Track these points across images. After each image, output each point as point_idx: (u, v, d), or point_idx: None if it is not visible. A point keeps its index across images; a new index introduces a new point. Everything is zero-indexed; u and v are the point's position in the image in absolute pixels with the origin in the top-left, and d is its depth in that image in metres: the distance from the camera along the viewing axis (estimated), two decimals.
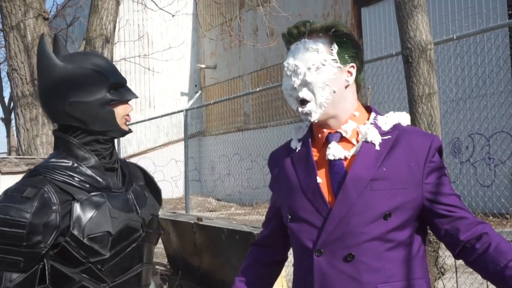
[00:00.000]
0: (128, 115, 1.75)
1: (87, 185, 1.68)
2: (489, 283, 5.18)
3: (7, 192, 1.60)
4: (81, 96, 1.66)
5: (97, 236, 1.63)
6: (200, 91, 22.61)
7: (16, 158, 4.81)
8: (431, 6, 11.82)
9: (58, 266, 1.63)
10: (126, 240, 1.70)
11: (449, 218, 1.49)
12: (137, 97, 1.76)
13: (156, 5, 8.40)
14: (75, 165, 1.69)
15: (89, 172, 1.69)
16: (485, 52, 10.08)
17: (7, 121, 21.05)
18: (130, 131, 1.77)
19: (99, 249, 1.63)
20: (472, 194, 10.27)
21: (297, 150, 1.61)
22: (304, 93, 1.51)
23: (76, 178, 1.67)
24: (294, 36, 1.55)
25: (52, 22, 14.99)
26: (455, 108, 10.39)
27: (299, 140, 1.62)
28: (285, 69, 1.55)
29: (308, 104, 1.51)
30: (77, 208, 1.63)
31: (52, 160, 1.71)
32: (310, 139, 1.59)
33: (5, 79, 19.68)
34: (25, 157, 5.20)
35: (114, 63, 6.99)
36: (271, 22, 10.17)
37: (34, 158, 4.98)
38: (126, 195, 1.76)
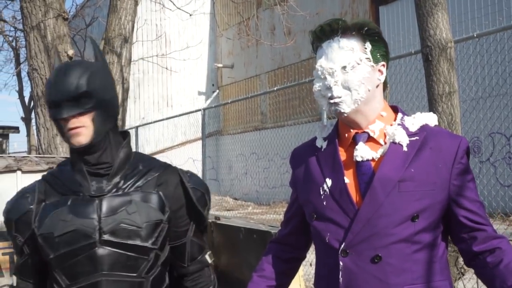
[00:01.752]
0: (74, 128, 1.68)
1: (65, 188, 1.76)
2: None
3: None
4: None
5: (45, 237, 1.71)
6: (217, 91, 22.65)
7: (36, 157, 4.86)
8: (451, 4, 11.69)
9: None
10: (75, 245, 1.68)
11: (467, 227, 1.48)
12: (71, 114, 1.65)
13: (174, 4, 8.42)
14: (66, 167, 1.80)
15: (73, 175, 1.76)
16: (505, 50, 9.94)
17: (27, 121, 21.31)
18: (78, 147, 1.69)
19: (46, 249, 1.72)
20: (492, 194, 10.15)
21: (322, 149, 1.58)
22: (339, 92, 1.49)
23: (59, 181, 1.79)
24: (326, 33, 1.52)
25: (71, 22, 15.13)
26: (475, 107, 10.26)
27: (324, 139, 1.60)
28: (319, 72, 1.52)
29: (344, 97, 1.49)
30: (44, 208, 1.75)
31: (61, 162, 1.89)
32: (336, 139, 1.57)
33: (25, 79, 19.94)
34: (45, 156, 5.26)
35: (132, 62, 7.02)
36: (288, 21, 10.15)
37: (54, 157, 5.03)
38: (94, 201, 1.72)
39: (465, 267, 3.64)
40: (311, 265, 6.31)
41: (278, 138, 15.78)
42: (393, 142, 1.49)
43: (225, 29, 21.09)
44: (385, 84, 1.57)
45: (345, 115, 1.50)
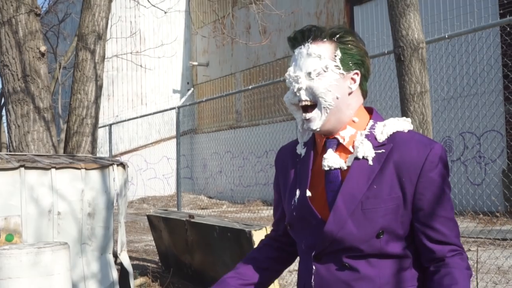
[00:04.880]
0: None
1: None
2: (478, 280, 5.19)
3: None
4: None
5: None
6: (192, 89, 22.57)
7: (7, 154, 4.79)
8: (423, 5, 11.87)
9: None
10: None
11: (422, 243, 1.46)
12: None
13: (149, 1, 8.37)
14: None
15: None
16: (476, 51, 10.14)
17: None
18: None
19: None
20: (462, 192, 10.33)
21: (301, 157, 1.59)
22: (305, 96, 1.49)
23: None
24: (298, 40, 1.53)
25: (44, 18, 14.90)
26: (446, 107, 10.43)
27: (304, 144, 1.61)
28: (287, 81, 1.53)
29: (313, 111, 1.49)
30: None
31: None
32: (312, 146, 1.58)
33: None
34: (16, 153, 5.17)
35: (106, 60, 6.95)
36: (264, 20, 10.17)
37: (25, 155, 4.95)
38: None
39: None
40: (288, 270, 6.34)
41: (252, 137, 15.81)
42: (357, 158, 1.47)
43: (200, 27, 21.02)
44: (363, 91, 1.55)
45: (318, 130, 1.50)
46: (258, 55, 18.86)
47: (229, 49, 20.49)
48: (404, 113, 3.59)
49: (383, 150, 1.46)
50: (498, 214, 9.20)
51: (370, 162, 1.45)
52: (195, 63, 22.27)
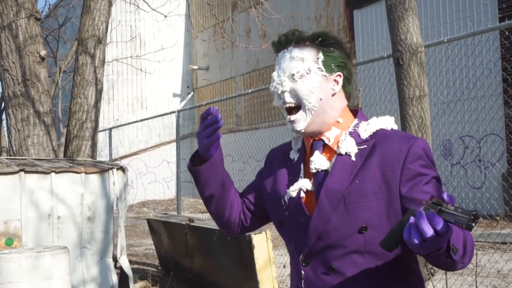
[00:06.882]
0: None
1: None
2: (478, 284, 5.18)
3: None
4: None
5: None
6: (192, 92, 22.58)
7: (7, 158, 4.79)
8: (422, 9, 11.89)
9: None
10: None
11: None
12: None
13: (149, 6, 8.39)
14: None
15: None
16: (475, 55, 10.15)
17: None
18: None
19: None
20: (462, 196, 10.33)
21: (294, 161, 1.61)
22: (289, 99, 1.52)
23: None
24: (282, 43, 1.57)
25: (44, 23, 14.92)
26: (445, 110, 10.44)
27: (298, 151, 1.63)
28: (271, 85, 1.57)
29: (298, 112, 1.51)
30: None
31: None
32: (304, 150, 1.60)
33: None
34: (16, 157, 5.18)
35: (106, 64, 6.96)
36: (264, 24, 10.18)
37: (25, 159, 4.96)
38: None
39: (434, 268, 3.70)
40: (284, 267, 6.34)
41: (252, 140, 15.81)
42: (340, 154, 1.49)
43: (200, 31, 21.05)
44: (347, 93, 1.57)
45: (302, 131, 1.53)
46: (258, 59, 18.88)
47: (229, 53, 20.51)
48: (403, 117, 3.61)
49: (365, 146, 1.48)
50: (497, 218, 9.20)
51: (353, 158, 1.47)
52: (195, 67, 22.29)
